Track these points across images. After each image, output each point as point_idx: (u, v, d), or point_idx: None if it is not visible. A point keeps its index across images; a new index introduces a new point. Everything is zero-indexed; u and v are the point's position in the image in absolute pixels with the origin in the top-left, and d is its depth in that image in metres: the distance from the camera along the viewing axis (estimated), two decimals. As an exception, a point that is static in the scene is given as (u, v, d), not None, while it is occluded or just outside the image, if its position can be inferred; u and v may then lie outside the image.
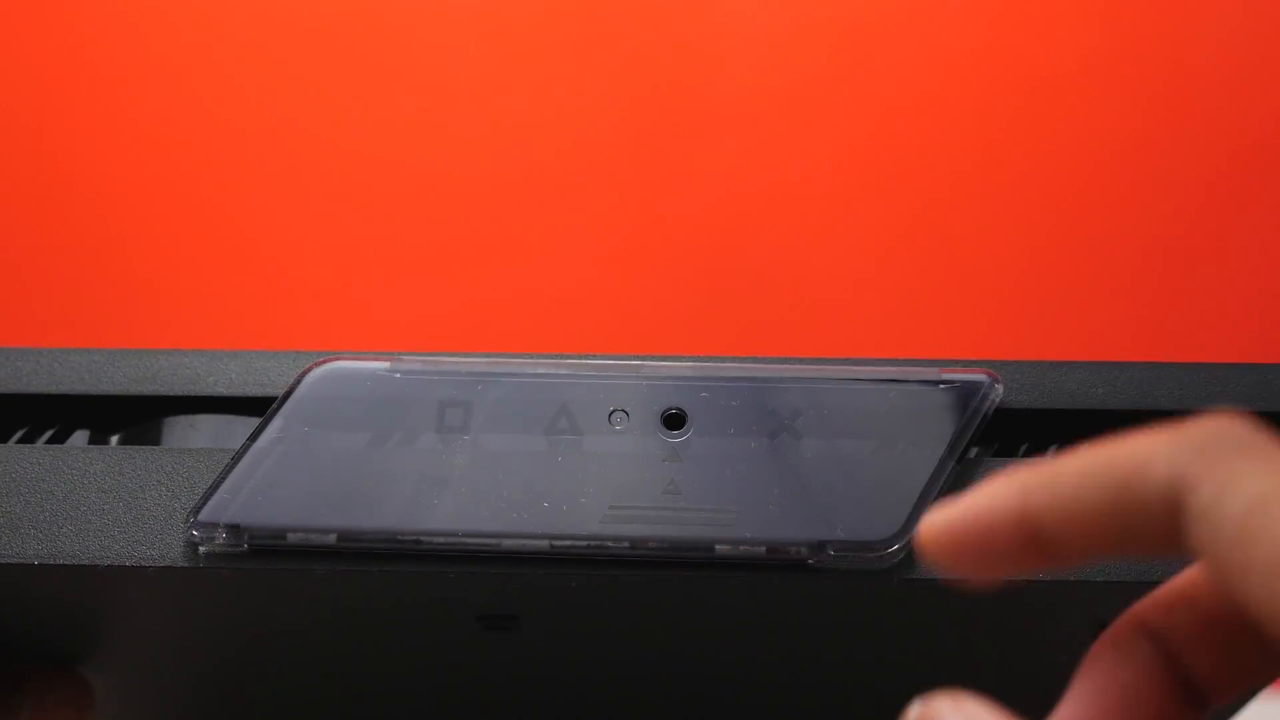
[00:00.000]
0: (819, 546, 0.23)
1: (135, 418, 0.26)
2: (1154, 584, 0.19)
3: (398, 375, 0.24)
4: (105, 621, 0.27)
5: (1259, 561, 0.15)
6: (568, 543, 0.23)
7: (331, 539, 0.22)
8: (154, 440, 0.26)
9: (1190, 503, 0.16)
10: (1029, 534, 0.17)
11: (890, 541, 0.23)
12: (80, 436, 0.26)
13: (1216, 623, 0.18)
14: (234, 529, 0.22)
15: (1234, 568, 0.16)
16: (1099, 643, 0.19)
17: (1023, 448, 0.26)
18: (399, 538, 0.22)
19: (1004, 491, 0.18)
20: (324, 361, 0.25)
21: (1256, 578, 0.15)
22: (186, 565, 0.23)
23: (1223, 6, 0.71)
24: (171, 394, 0.26)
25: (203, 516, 0.23)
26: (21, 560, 0.23)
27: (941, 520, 0.18)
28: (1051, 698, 0.19)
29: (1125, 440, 0.17)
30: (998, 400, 0.25)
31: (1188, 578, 0.19)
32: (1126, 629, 0.19)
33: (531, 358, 0.25)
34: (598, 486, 0.23)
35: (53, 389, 0.26)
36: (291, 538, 0.22)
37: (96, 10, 0.71)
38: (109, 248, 0.69)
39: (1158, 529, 0.16)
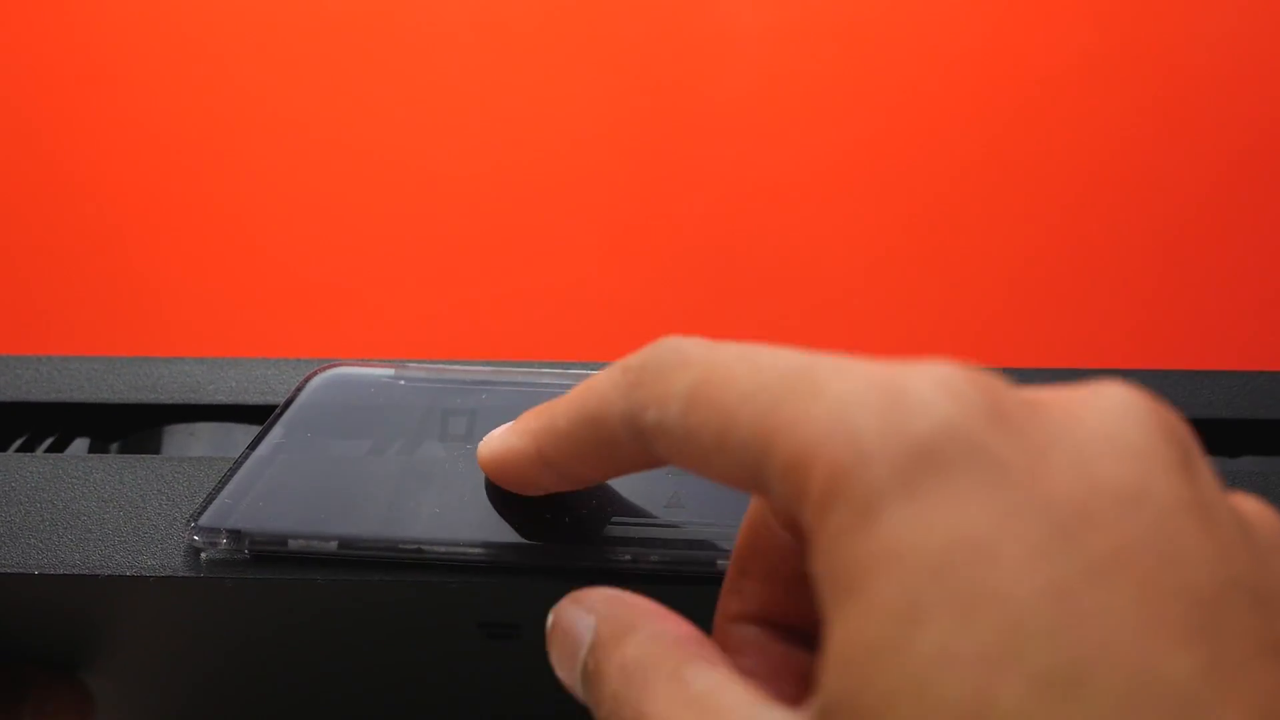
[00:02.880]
0: None
1: (135, 426, 0.26)
2: None
3: (401, 382, 0.24)
4: (106, 629, 0.27)
5: (707, 431, 0.17)
6: (569, 555, 0.23)
7: (333, 546, 0.22)
8: (154, 448, 0.26)
9: (645, 425, 0.18)
10: (548, 468, 0.21)
11: None
12: (80, 445, 0.26)
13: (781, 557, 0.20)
14: (235, 535, 0.22)
15: (691, 455, 0.17)
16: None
17: None
18: (400, 546, 0.22)
19: (520, 441, 0.21)
20: (327, 367, 0.24)
21: (707, 447, 0.17)
22: (188, 575, 0.23)
23: (1223, 6, 0.71)
24: (172, 402, 0.26)
25: (204, 521, 0.22)
26: (22, 570, 0.23)
27: (487, 454, 0.22)
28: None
29: (593, 381, 0.19)
30: None
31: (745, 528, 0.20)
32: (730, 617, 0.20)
33: (534, 365, 0.25)
34: (600, 498, 0.23)
35: (52, 397, 0.26)
36: (293, 544, 0.22)
37: (97, 14, 0.71)
38: (108, 255, 0.69)
39: (632, 452, 0.19)
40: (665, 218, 0.70)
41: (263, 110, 0.71)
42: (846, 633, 0.14)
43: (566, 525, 0.23)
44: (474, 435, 0.24)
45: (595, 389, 0.19)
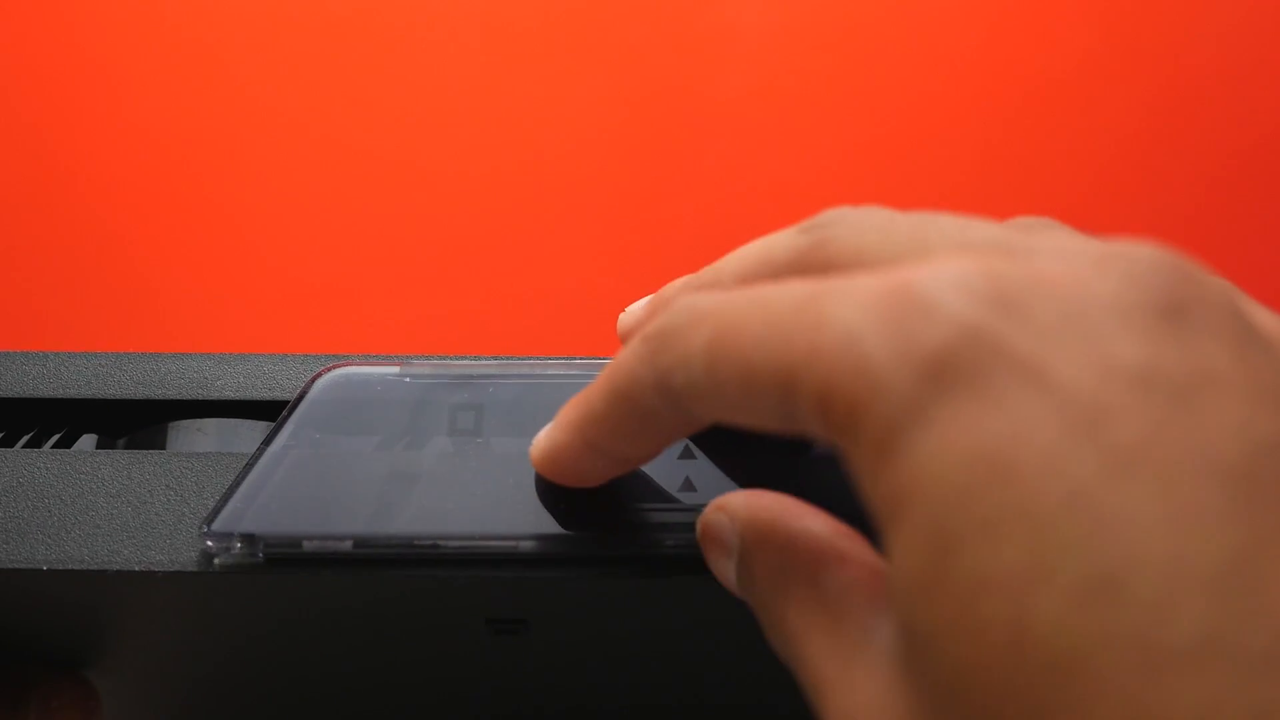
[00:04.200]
0: None
1: (142, 422, 0.26)
2: None
3: (407, 379, 0.24)
4: (112, 626, 0.27)
5: (733, 382, 0.17)
6: (587, 544, 0.23)
7: (347, 546, 0.22)
8: (160, 444, 0.26)
9: (675, 389, 0.18)
10: (598, 453, 0.21)
11: None
12: (87, 440, 0.26)
13: None
14: (249, 539, 0.22)
15: (725, 409, 0.17)
16: None
17: None
18: (416, 543, 0.22)
19: (564, 435, 0.21)
20: (333, 367, 0.24)
21: (737, 398, 0.17)
22: (197, 570, 0.23)
23: (1223, 6, 0.71)
24: (179, 398, 0.26)
25: (216, 526, 0.22)
26: (30, 566, 0.23)
27: (537, 454, 0.22)
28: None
29: (618, 359, 0.19)
30: None
31: None
32: None
33: (541, 359, 0.25)
34: (613, 486, 0.23)
35: (59, 393, 0.26)
36: (307, 546, 0.22)
37: (96, 10, 0.71)
38: (114, 251, 0.69)
39: (672, 418, 0.19)
40: (666, 213, 0.70)
41: (268, 108, 0.71)
42: (895, 564, 0.15)
43: (582, 514, 0.23)
44: (482, 429, 0.24)
45: (621, 366, 0.19)
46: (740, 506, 0.20)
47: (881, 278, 0.15)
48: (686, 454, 0.23)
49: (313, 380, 0.24)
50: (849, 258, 0.18)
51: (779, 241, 0.20)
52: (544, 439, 0.22)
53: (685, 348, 0.17)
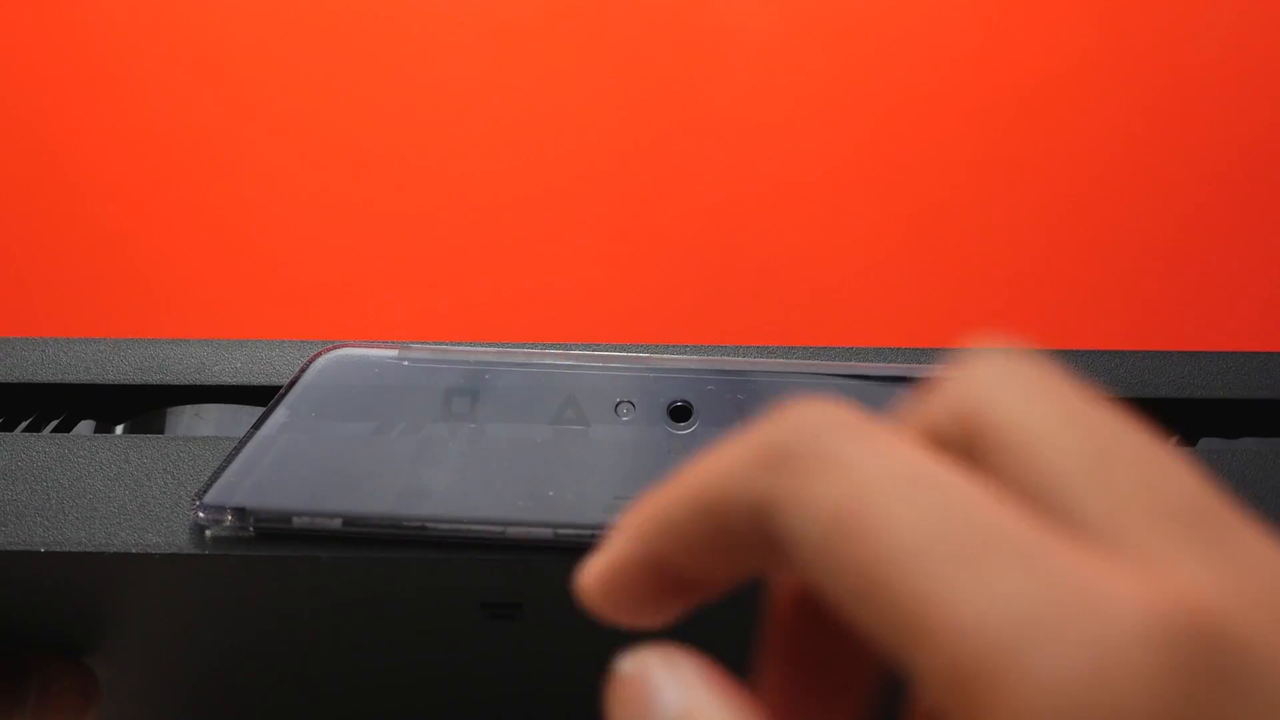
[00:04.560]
0: None
1: (141, 407, 0.26)
2: None
3: (406, 363, 0.24)
4: (111, 611, 0.27)
5: (848, 573, 0.13)
6: (572, 532, 0.23)
7: (337, 524, 0.22)
8: (159, 429, 0.26)
9: (777, 527, 0.14)
10: (666, 577, 0.16)
11: None
12: (86, 426, 0.26)
13: None
14: (240, 512, 0.22)
15: (827, 589, 0.14)
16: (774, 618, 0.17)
17: None
18: (404, 524, 0.22)
19: (630, 544, 0.16)
20: (331, 348, 0.25)
21: (846, 591, 0.14)
22: (193, 552, 0.23)
23: (1223, 6, 0.72)
24: (177, 383, 0.26)
25: (209, 499, 0.23)
26: (28, 548, 0.23)
27: (592, 578, 0.17)
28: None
29: (714, 458, 0.15)
30: None
31: None
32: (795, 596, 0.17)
33: (539, 347, 0.25)
34: (603, 477, 0.23)
35: (59, 378, 0.26)
36: (297, 522, 0.22)
37: (96, 9, 0.71)
38: (114, 238, 0.69)
39: (764, 553, 0.15)
40: (668, 203, 0.71)
41: (268, 98, 0.71)
42: None
43: (570, 503, 0.23)
44: (477, 414, 0.24)
45: (717, 465, 0.15)
46: (697, 678, 0.15)
47: (1066, 573, 0.13)
48: (678, 448, 0.23)
49: (311, 360, 0.24)
50: (1020, 466, 0.14)
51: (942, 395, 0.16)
52: (599, 555, 0.17)
53: (805, 492, 0.14)
